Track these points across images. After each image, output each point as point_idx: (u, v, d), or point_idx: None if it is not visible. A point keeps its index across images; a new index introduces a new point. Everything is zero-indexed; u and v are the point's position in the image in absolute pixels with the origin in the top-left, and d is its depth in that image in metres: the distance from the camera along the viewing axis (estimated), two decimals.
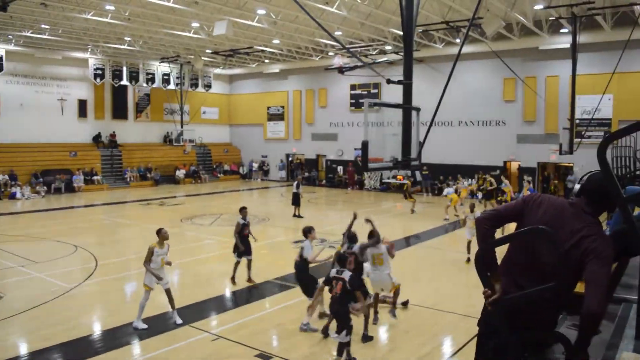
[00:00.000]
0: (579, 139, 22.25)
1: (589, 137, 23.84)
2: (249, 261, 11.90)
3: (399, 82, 7.97)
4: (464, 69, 27.90)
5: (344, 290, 7.68)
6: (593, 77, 24.16)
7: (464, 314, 9.93)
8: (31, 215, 23.00)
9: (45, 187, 29.50)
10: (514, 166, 29.11)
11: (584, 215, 2.96)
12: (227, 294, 11.55)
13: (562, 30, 24.44)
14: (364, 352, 8.18)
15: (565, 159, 24.90)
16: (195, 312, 9.98)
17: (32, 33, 26.45)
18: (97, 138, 34.73)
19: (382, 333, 9.32)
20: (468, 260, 13.98)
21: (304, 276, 9.56)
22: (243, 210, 12.01)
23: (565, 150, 22.16)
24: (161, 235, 9.35)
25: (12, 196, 27.73)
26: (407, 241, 17.46)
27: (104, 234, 19.21)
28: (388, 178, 31.72)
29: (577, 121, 23.89)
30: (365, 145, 7.38)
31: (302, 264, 9.52)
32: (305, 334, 8.83)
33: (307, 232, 9.78)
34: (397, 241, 16.83)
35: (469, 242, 14.19)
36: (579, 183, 3.14)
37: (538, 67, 27.16)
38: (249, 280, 11.88)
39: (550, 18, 23.38)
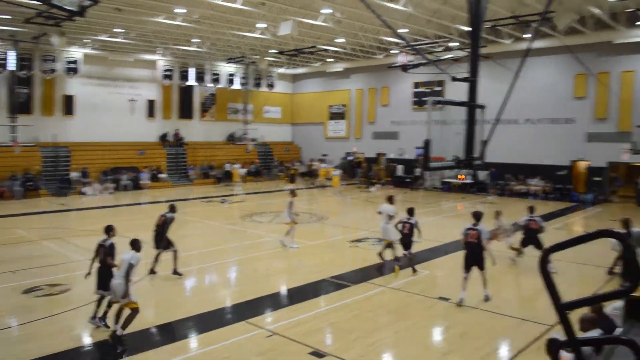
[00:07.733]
0: None
1: None
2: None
3: (464, 80, 7.80)
4: (532, 64, 26.88)
5: None
6: None
7: (523, 317, 9.63)
8: (100, 211, 23.99)
9: (114, 184, 30.63)
10: (582, 166, 27.88)
11: None
12: (283, 291, 11.67)
13: (638, 23, 23.21)
14: (419, 354, 8.07)
15: (638, 158, 23.63)
16: (251, 309, 10.15)
17: (107, 37, 27.63)
18: (163, 137, 35.90)
19: (436, 335, 9.14)
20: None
21: None
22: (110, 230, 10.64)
23: (638, 149, 21.07)
24: None
25: (83, 192, 28.96)
26: None
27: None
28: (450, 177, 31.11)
29: None
30: (427, 144, 7.28)
31: None
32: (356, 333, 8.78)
33: None
34: (452, 243, 16.52)
35: None
36: None
37: (612, 62, 25.82)
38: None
39: (628, 10, 22.25)
